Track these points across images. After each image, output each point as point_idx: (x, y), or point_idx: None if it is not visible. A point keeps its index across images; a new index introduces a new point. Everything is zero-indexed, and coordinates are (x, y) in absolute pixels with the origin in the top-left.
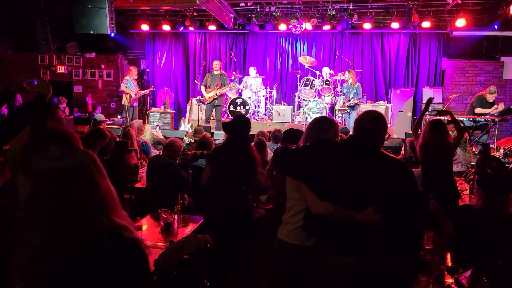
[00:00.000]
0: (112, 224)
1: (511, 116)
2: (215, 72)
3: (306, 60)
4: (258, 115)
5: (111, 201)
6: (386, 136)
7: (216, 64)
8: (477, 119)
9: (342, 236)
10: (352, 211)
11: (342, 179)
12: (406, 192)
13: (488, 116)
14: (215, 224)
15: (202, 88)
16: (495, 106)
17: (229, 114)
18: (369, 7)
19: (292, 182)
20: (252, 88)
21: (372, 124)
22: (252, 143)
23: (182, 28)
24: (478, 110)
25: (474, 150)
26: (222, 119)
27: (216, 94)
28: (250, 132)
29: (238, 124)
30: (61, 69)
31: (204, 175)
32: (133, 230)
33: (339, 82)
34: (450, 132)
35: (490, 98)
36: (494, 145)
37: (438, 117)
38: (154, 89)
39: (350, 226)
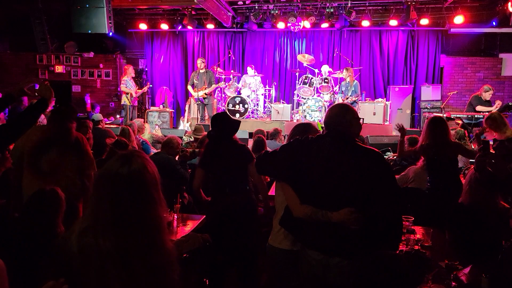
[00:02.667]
0: None
1: (510, 113)
2: (201, 71)
3: (304, 58)
4: (257, 114)
5: None
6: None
7: (200, 62)
8: (476, 116)
9: (316, 234)
10: (328, 212)
11: (322, 174)
12: (383, 182)
13: (487, 113)
14: (218, 222)
15: (189, 87)
16: (497, 104)
17: (228, 113)
18: (367, 4)
19: (277, 184)
20: (251, 87)
21: (341, 117)
22: (235, 135)
23: (180, 27)
24: (479, 108)
25: (473, 147)
26: None
27: (205, 94)
28: (249, 131)
29: (215, 124)
30: (59, 69)
31: (195, 179)
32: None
33: (338, 80)
34: (452, 132)
35: (487, 96)
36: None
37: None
38: (151, 86)
39: (325, 226)
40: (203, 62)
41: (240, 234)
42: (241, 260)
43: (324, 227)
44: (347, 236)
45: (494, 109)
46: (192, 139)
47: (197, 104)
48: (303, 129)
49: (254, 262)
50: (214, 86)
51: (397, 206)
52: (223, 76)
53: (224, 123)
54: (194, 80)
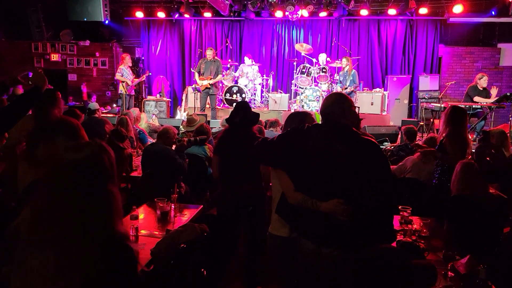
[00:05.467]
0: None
1: (507, 103)
2: (209, 59)
3: (302, 48)
4: (254, 103)
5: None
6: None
7: (209, 52)
8: (473, 106)
9: (308, 223)
10: (318, 201)
11: (318, 162)
12: (378, 172)
13: (484, 103)
14: (228, 210)
15: (196, 74)
16: (494, 95)
17: (225, 102)
18: None
19: (273, 173)
20: (248, 76)
21: (338, 106)
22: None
23: (177, 15)
24: (477, 98)
25: (470, 137)
26: (217, 107)
27: (210, 84)
28: None
29: (241, 111)
30: (55, 57)
31: (213, 167)
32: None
33: (336, 69)
34: None
35: (483, 83)
36: None
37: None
38: (150, 74)
39: (317, 215)
40: (213, 53)
41: (252, 222)
42: (251, 248)
43: (316, 216)
44: (338, 226)
45: (492, 100)
46: (189, 130)
47: (195, 93)
48: (301, 119)
49: (263, 250)
50: (219, 77)
51: (391, 196)
52: None
53: (248, 113)
54: (201, 68)
